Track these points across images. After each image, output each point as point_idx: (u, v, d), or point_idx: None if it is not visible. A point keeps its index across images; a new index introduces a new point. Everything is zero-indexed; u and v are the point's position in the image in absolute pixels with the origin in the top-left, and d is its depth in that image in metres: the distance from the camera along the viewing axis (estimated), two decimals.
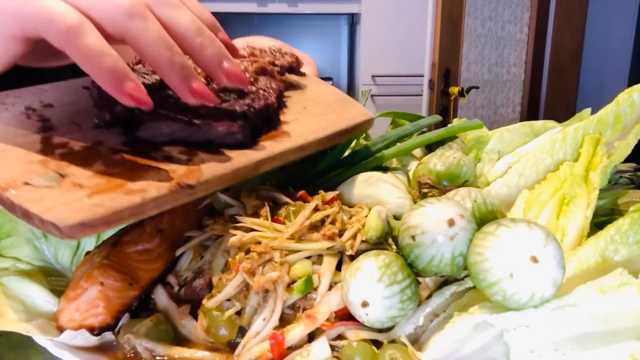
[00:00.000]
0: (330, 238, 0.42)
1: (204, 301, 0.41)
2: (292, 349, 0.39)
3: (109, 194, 0.33)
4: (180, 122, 0.40)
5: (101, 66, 0.33)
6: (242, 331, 0.40)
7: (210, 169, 0.39)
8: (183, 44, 0.38)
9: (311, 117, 0.50)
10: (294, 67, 0.57)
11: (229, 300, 0.40)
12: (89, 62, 0.33)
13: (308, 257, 0.42)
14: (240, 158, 0.41)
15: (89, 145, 0.38)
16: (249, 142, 0.43)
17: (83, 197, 0.33)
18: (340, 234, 0.44)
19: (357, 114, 0.53)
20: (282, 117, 0.49)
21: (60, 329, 0.40)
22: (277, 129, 0.46)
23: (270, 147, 0.44)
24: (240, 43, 0.64)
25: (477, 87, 2.25)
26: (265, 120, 0.46)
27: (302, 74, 0.59)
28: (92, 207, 0.32)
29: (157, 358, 0.39)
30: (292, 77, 0.57)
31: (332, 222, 0.45)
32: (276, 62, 0.54)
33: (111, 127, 0.40)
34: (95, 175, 0.35)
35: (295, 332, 0.38)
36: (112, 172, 0.36)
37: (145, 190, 0.35)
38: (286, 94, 0.53)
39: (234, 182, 0.41)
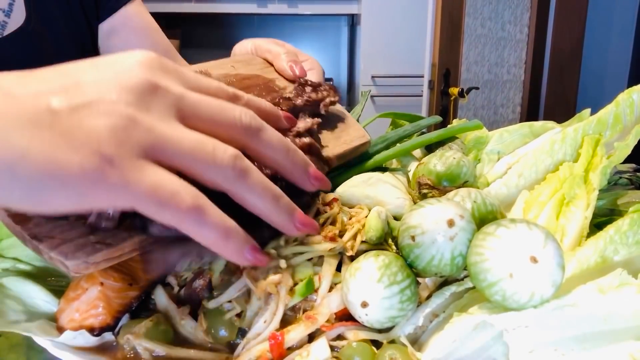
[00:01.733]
0: (332, 239, 0.42)
1: (204, 302, 0.41)
2: (291, 349, 0.39)
3: (112, 229, 0.35)
4: None
5: (227, 242, 0.32)
6: (242, 332, 0.40)
7: None
8: (274, 165, 0.37)
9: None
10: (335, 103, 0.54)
11: (229, 301, 0.40)
12: (214, 241, 0.32)
13: (309, 259, 0.42)
14: None
15: None
16: None
17: (88, 232, 0.34)
18: (341, 235, 0.44)
19: (355, 135, 0.54)
20: None
21: (60, 329, 0.40)
22: None
23: None
24: (248, 45, 0.64)
25: (477, 88, 2.25)
26: None
27: None
28: (95, 244, 0.33)
29: (156, 358, 0.39)
30: (292, 89, 0.55)
31: (332, 223, 0.45)
32: (329, 99, 0.51)
33: None
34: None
35: (295, 334, 0.38)
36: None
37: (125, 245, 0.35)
38: None
39: None
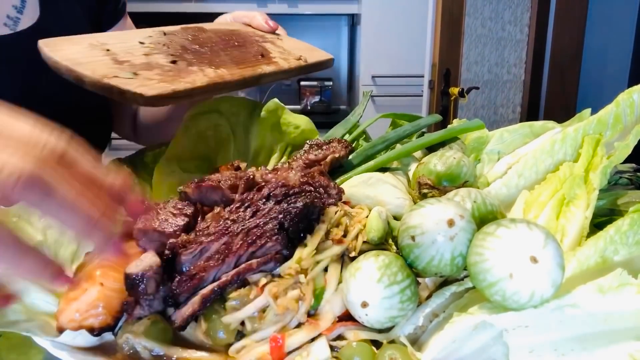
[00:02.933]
0: (339, 242, 0.43)
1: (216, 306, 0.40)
2: (291, 350, 0.39)
3: (169, 83, 0.52)
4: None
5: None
6: (241, 335, 0.40)
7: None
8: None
9: (290, 56, 0.69)
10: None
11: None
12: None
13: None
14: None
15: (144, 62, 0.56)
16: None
17: (153, 83, 0.51)
18: (343, 236, 0.44)
19: (322, 55, 0.75)
20: (271, 56, 0.67)
21: (60, 329, 0.40)
22: None
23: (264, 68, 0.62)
24: (227, 17, 0.77)
25: (477, 88, 2.25)
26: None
27: (277, 35, 0.77)
28: (160, 87, 0.51)
29: (155, 357, 0.39)
30: (270, 36, 0.76)
31: (336, 225, 0.45)
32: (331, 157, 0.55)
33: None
34: (157, 75, 0.53)
35: (297, 338, 0.38)
36: (169, 73, 0.55)
37: (194, 82, 0.54)
38: (270, 46, 0.71)
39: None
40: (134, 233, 0.43)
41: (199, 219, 0.46)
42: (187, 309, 0.39)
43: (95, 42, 0.57)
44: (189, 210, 0.45)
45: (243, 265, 0.40)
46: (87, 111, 0.76)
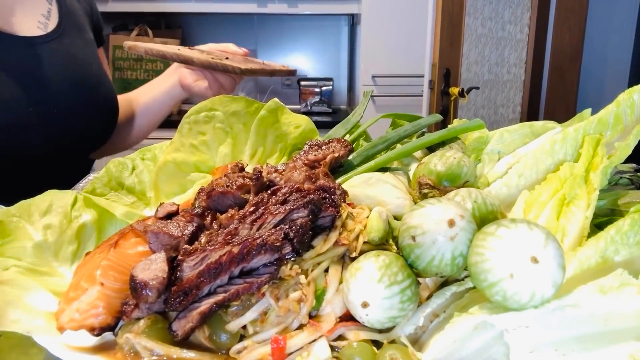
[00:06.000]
0: (342, 243, 0.43)
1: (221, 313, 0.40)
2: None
3: (245, 65, 0.79)
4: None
5: None
6: (242, 336, 0.40)
7: None
8: None
9: (274, 66, 0.94)
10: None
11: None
12: None
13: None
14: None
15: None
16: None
17: (239, 63, 0.79)
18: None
19: (288, 67, 0.99)
20: (266, 63, 0.94)
21: (61, 329, 0.40)
22: None
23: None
24: (203, 48, 0.94)
25: (477, 88, 2.25)
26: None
27: (261, 62, 0.98)
28: (245, 65, 0.79)
29: (155, 358, 0.39)
30: (256, 61, 0.97)
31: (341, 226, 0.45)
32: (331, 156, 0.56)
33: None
34: (244, 60, 0.78)
35: (298, 340, 0.38)
36: (236, 60, 0.86)
37: (253, 66, 0.83)
38: (258, 61, 0.96)
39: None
40: (146, 235, 0.43)
41: (214, 223, 0.46)
42: (186, 323, 0.39)
43: (165, 44, 0.80)
44: (201, 217, 0.45)
45: (243, 286, 0.40)
46: (98, 103, 0.94)
